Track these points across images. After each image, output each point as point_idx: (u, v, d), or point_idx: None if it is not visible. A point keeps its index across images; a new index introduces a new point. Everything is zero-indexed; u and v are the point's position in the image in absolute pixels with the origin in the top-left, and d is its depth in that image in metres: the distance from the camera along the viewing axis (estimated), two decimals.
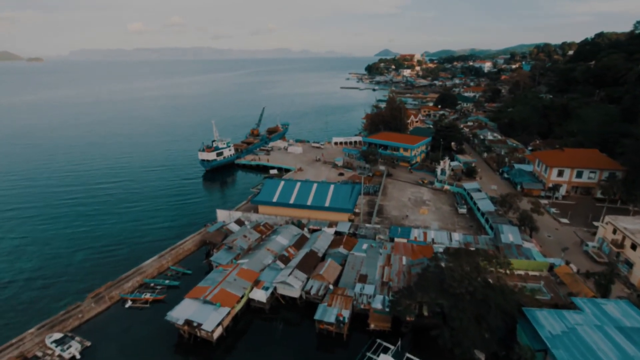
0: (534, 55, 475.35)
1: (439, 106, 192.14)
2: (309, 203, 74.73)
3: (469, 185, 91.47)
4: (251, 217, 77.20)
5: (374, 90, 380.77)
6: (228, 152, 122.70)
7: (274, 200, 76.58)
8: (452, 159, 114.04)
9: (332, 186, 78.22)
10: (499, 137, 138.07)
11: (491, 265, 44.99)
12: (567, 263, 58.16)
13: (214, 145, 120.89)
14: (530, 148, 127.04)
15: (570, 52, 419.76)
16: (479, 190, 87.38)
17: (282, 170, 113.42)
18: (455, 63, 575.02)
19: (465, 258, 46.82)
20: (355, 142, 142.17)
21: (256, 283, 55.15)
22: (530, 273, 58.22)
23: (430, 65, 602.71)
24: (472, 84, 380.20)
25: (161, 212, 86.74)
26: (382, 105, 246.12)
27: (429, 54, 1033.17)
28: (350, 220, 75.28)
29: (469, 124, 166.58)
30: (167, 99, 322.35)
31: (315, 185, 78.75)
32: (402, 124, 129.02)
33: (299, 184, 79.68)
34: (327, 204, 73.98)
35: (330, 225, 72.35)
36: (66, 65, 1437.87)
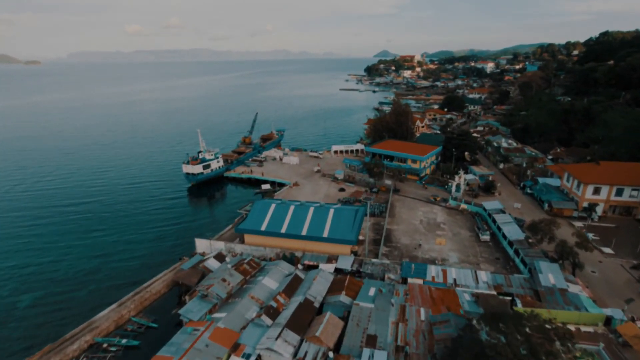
0: (537, 56, 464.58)
1: (445, 109, 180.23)
2: (303, 233, 62.51)
3: (489, 204, 79.35)
4: (235, 249, 65.02)
5: (374, 92, 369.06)
6: (216, 164, 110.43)
7: (263, 228, 64.33)
8: (465, 171, 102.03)
9: (331, 210, 66.00)
10: (515, 144, 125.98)
11: (550, 343, 32.76)
12: (633, 319, 45.90)
13: (200, 156, 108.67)
14: (550, 157, 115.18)
15: (575, 52, 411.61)
16: (503, 212, 75.25)
17: (276, 185, 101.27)
18: (456, 64, 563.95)
19: (510, 325, 34.74)
20: (357, 150, 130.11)
21: (235, 348, 42.91)
22: (583, 329, 46.12)
23: (431, 66, 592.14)
24: (475, 85, 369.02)
25: (132, 242, 74.09)
26: (384, 108, 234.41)
27: (428, 54, 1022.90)
28: (353, 252, 63.06)
29: (479, 128, 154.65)
30: (157, 103, 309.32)
31: (312, 209, 66.54)
32: (409, 132, 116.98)
33: (292, 207, 67.45)
34: (325, 234, 61.76)
35: (330, 259, 60.11)
36: (63, 68, 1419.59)
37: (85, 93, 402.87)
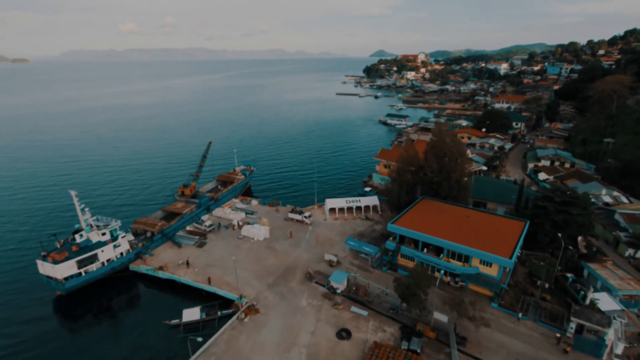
0: (558, 55, 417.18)
1: (484, 129, 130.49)
2: None
3: None
4: None
5: (376, 97, 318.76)
6: (110, 253, 59.59)
7: None
8: (578, 273, 52.63)
9: None
10: (625, 199, 76.66)
11: None
12: None
13: (78, 240, 58.00)
14: None
15: (601, 52, 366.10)
16: None
17: (217, 308, 51.16)
18: (464, 64, 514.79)
19: None
20: (367, 207, 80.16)
21: None
22: None
23: (437, 66, 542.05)
24: (491, 89, 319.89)
25: None
26: (393, 122, 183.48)
27: (426, 54, 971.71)
28: None
29: (543, 163, 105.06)
30: (116, 111, 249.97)
31: None
32: (460, 185, 66.68)
33: None
34: None
35: None
36: (50, 66, 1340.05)
37: (41, 97, 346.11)
